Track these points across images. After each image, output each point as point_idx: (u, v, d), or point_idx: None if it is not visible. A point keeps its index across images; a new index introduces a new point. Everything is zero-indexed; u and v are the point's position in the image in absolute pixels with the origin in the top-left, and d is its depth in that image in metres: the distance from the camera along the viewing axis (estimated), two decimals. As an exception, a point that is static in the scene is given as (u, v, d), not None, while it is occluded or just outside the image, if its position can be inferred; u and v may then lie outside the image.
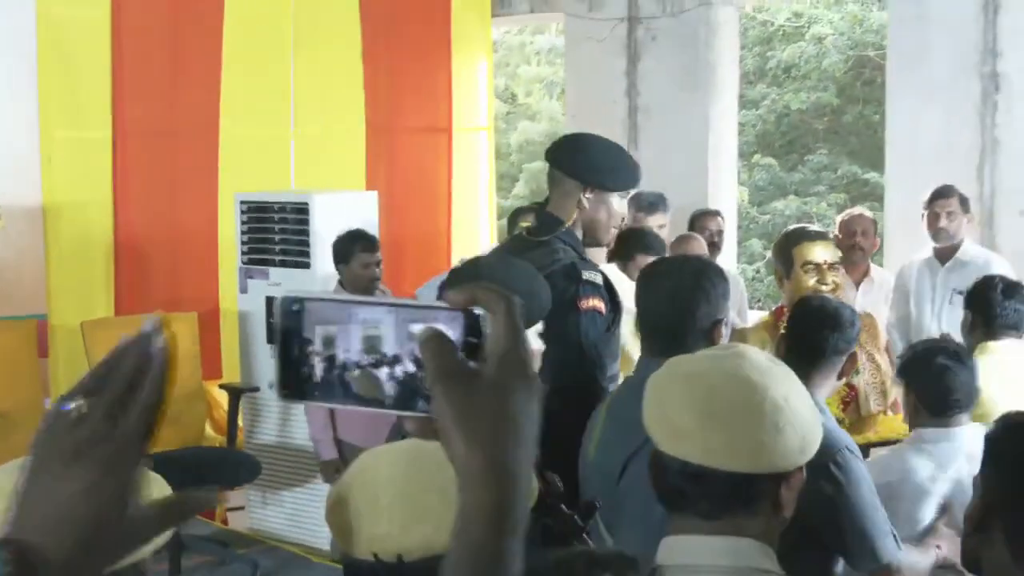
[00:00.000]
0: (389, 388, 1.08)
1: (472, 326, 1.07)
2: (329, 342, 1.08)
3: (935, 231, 6.41)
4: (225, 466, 6.89)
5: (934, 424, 3.85)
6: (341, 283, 6.20)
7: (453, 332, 1.06)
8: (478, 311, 1.07)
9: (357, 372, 1.08)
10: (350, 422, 6.06)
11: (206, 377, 7.42)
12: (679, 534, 2.12)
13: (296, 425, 6.91)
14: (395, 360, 1.08)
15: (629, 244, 5.56)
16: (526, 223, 5.10)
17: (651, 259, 4.43)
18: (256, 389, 7.20)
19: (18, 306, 7.61)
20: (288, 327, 1.09)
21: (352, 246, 6.15)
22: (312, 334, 1.08)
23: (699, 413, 2.08)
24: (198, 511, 1.08)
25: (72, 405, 1.02)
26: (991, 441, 2.38)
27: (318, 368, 1.09)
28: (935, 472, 3.78)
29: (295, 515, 7.05)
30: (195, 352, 7.21)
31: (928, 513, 3.78)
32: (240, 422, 7.19)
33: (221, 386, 7.39)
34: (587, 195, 4.10)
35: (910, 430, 3.97)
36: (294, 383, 1.09)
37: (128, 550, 1.04)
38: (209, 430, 7.36)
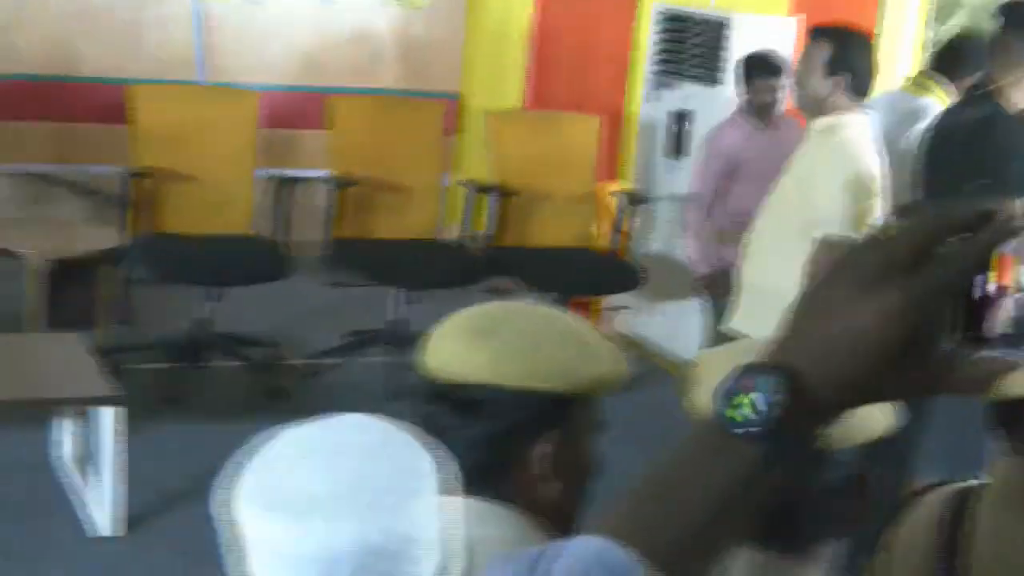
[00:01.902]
0: None
1: None
2: None
3: None
4: (610, 270, 7.02)
5: None
6: (740, 104, 6.10)
7: None
8: None
9: None
10: (729, 241, 6.01)
11: (601, 180, 7.49)
12: None
13: (683, 240, 6.90)
14: None
15: None
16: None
17: None
18: (648, 200, 7.23)
19: (433, 84, 7.87)
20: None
21: (753, 68, 6.03)
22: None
23: None
24: None
25: (882, 222, 0.97)
26: None
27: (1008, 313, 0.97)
28: None
29: (672, 327, 7.08)
30: (592, 155, 7.28)
31: None
32: (627, 228, 7.27)
33: (614, 192, 7.47)
34: None
35: None
36: (970, 329, 0.96)
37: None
38: (596, 232, 7.47)
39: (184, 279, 6.14)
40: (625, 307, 7.42)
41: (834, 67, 4.60)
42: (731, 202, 5.98)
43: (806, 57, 4.71)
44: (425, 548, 1.35)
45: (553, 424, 1.73)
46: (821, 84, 4.62)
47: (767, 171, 5.97)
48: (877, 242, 0.95)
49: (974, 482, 2.13)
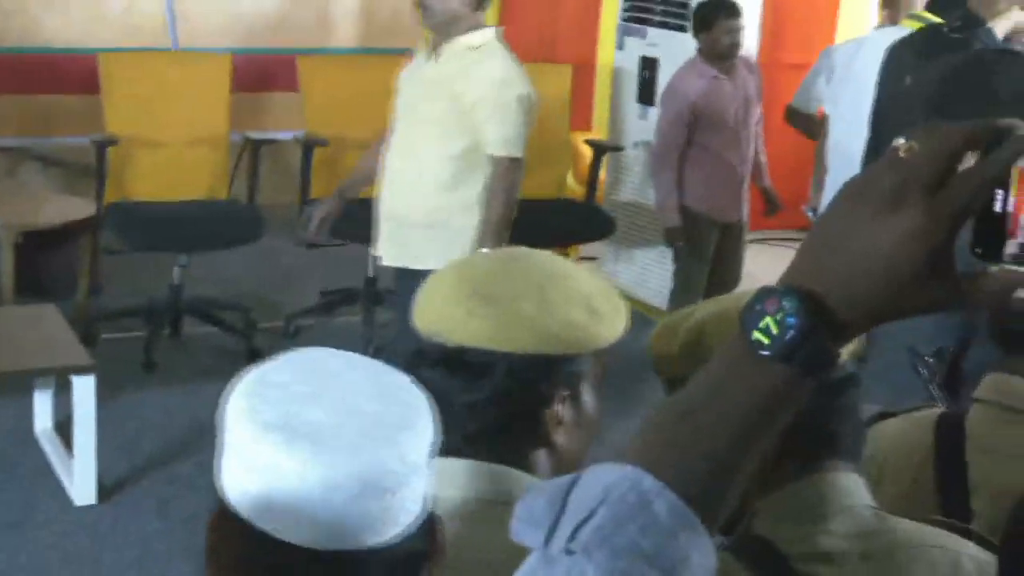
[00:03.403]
0: None
1: None
2: None
3: None
4: (584, 219, 7.03)
5: None
6: (700, 51, 6.04)
7: None
8: None
9: None
10: (695, 189, 6.04)
11: (574, 129, 7.50)
12: None
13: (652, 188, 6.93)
14: None
15: None
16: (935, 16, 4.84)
17: None
18: (621, 148, 7.23)
19: (401, 41, 7.86)
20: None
21: (716, 12, 5.94)
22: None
23: None
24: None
25: (900, 142, 0.95)
26: None
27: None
28: None
29: (643, 274, 7.13)
30: (566, 103, 7.26)
31: None
32: (602, 177, 7.29)
33: (587, 141, 7.47)
34: None
35: None
36: (989, 243, 0.96)
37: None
38: (571, 181, 7.49)
39: (156, 246, 6.15)
40: (594, 258, 7.46)
41: None
42: (696, 149, 6.00)
43: None
44: (416, 479, 1.32)
45: (561, 381, 1.68)
46: (451, 2, 4.53)
47: (732, 115, 6.01)
48: (896, 163, 0.94)
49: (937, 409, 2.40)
